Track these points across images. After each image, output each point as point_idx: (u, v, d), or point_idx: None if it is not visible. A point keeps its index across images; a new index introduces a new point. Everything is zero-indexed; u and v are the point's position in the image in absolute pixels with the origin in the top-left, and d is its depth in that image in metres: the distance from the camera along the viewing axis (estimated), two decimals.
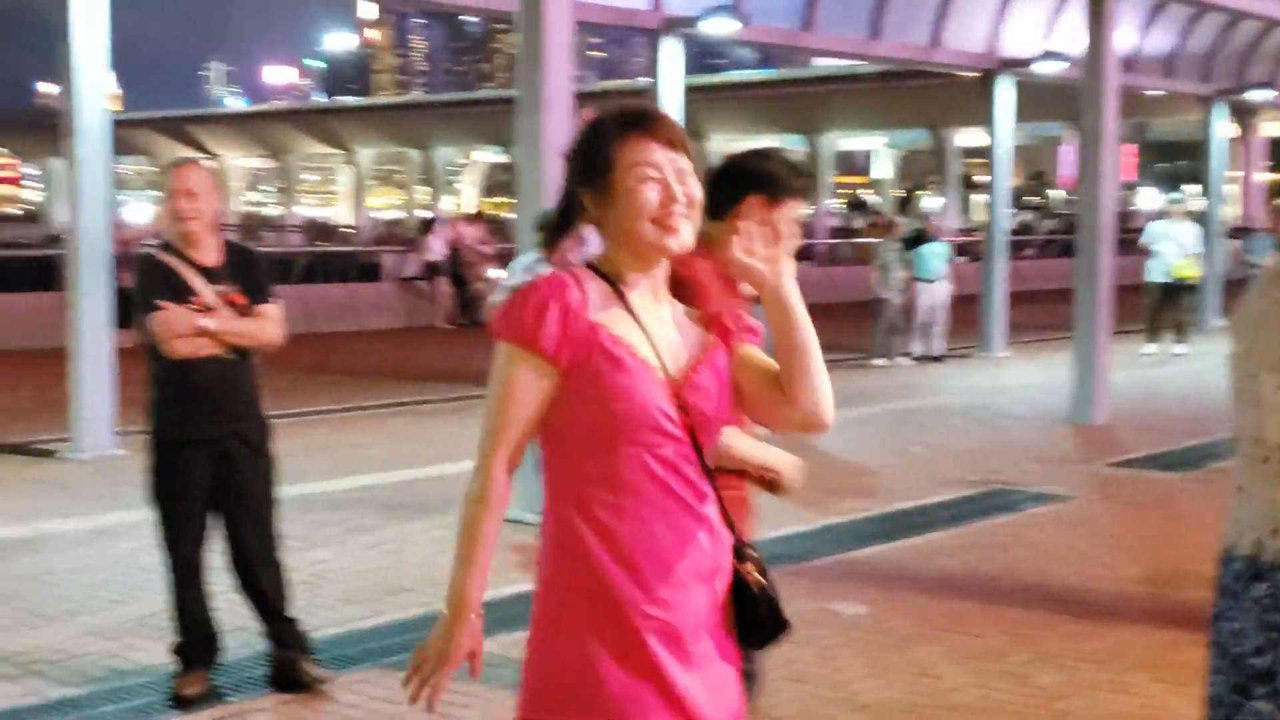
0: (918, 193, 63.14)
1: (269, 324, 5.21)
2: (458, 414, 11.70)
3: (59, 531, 8.01)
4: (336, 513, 8.39)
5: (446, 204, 65.55)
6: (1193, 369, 16.07)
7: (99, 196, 10.62)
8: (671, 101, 15.01)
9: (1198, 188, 26.36)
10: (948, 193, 51.85)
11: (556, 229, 2.62)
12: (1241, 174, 30.90)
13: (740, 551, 2.63)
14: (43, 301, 18.21)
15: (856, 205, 67.32)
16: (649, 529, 2.49)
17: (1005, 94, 18.44)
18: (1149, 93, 24.61)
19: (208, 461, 5.16)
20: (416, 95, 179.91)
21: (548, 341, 2.46)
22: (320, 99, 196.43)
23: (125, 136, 60.34)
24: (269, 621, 5.37)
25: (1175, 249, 17.47)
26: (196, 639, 5.30)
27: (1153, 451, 10.86)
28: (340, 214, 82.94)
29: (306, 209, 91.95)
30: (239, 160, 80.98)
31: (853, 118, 54.57)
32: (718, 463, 3.33)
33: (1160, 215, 19.05)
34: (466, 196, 79.03)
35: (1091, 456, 10.78)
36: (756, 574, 2.61)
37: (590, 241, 2.66)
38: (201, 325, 5.06)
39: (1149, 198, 65.43)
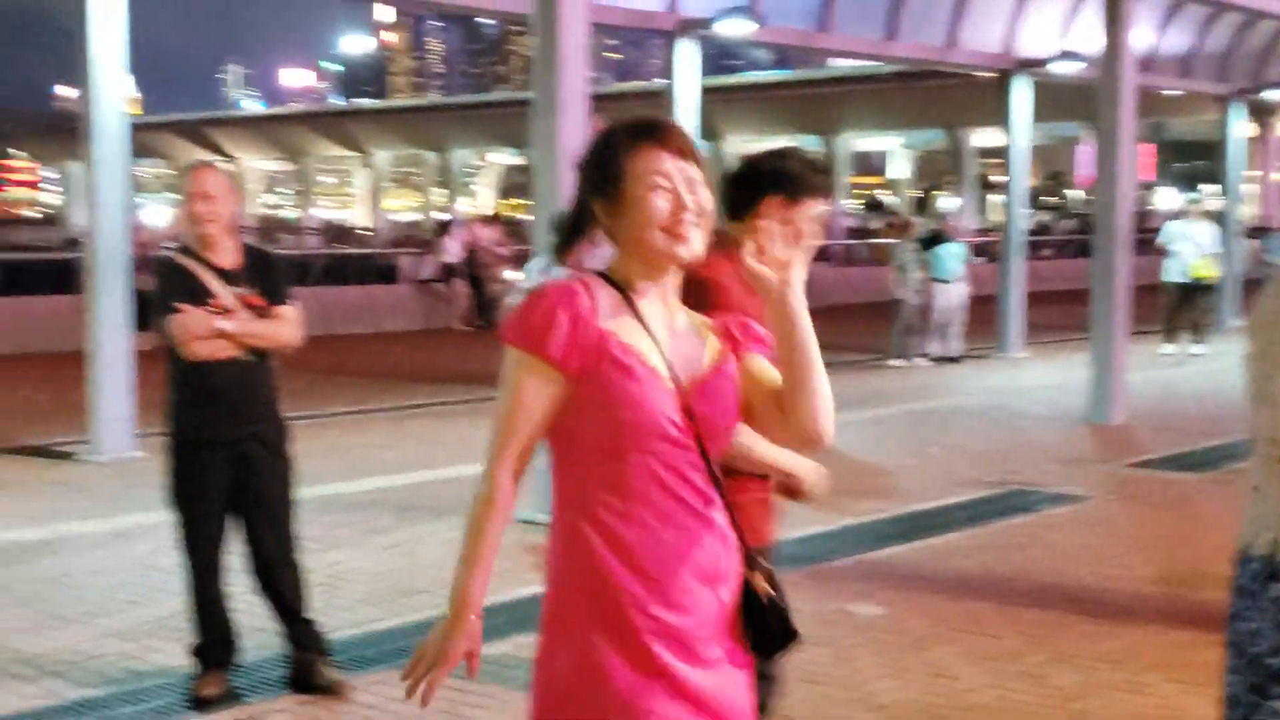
0: (934, 193, 63.06)
1: (287, 326, 5.23)
2: (472, 416, 11.71)
3: (78, 533, 8.04)
4: (353, 514, 8.41)
5: (463, 206, 65.64)
6: (1210, 369, 16.01)
7: (117, 199, 10.66)
8: (687, 103, 15.02)
9: (1216, 187, 26.23)
10: (964, 193, 51.74)
11: (568, 237, 2.63)
12: (1259, 173, 30.78)
13: (751, 560, 2.64)
14: (61, 304, 18.28)
15: (873, 206, 67.27)
16: (656, 535, 2.50)
17: (1022, 94, 18.40)
18: (1166, 92, 24.53)
19: (226, 463, 5.18)
20: (433, 98, 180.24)
21: (556, 349, 2.48)
22: (337, 101, 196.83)
23: (143, 139, 60.55)
24: (287, 623, 5.39)
25: (1193, 249, 17.42)
26: (215, 640, 5.32)
27: (1170, 452, 10.83)
28: (357, 216, 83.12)
29: (324, 211, 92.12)
30: (256, 163, 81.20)
31: (869, 118, 54.53)
32: (740, 466, 3.34)
33: (1178, 215, 18.98)
34: (483, 198, 79.11)
35: (1109, 457, 10.76)
36: (765, 584, 2.62)
37: (601, 249, 2.67)
38: (220, 327, 5.07)
39: (1167, 197, 65.23)
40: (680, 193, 2.53)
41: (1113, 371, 12.41)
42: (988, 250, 29.56)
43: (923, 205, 55.16)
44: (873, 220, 50.96)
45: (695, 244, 2.54)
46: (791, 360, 2.53)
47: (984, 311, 18.35)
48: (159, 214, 36.74)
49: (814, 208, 3.63)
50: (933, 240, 17.34)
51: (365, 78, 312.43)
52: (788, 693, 3.80)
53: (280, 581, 5.34)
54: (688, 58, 14.99)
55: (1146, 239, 21.22)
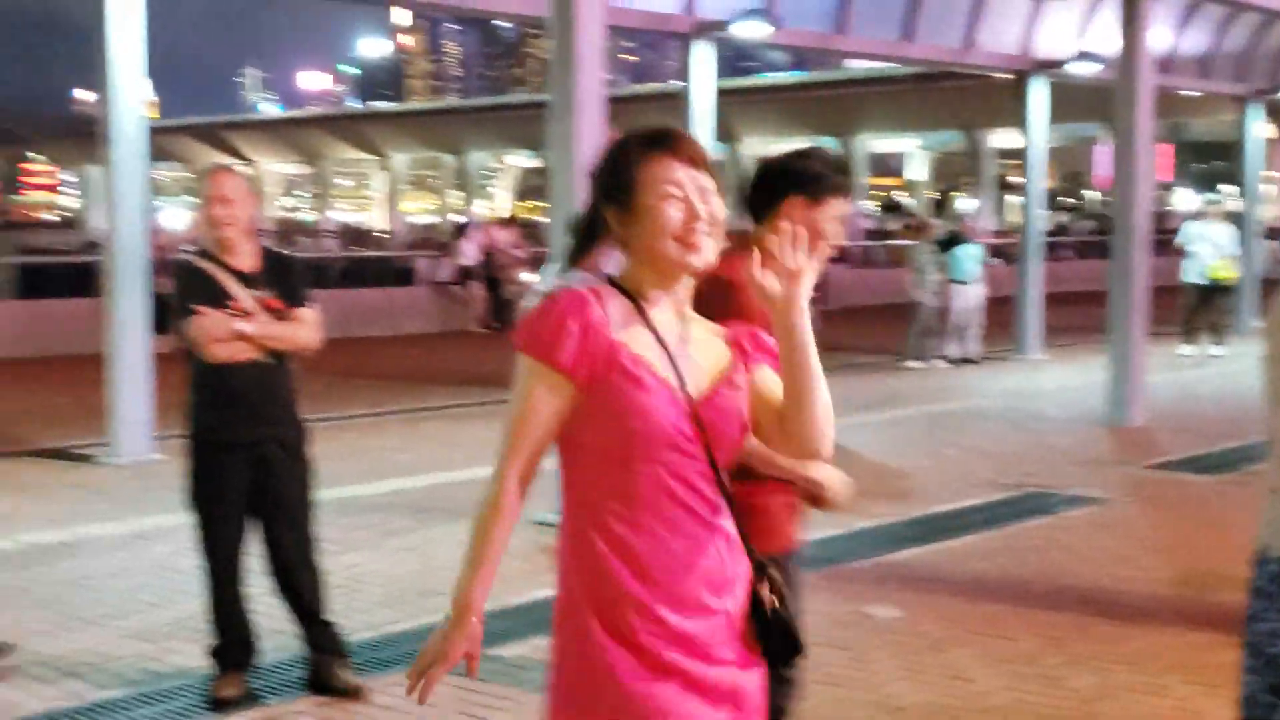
0: (952, 194, 62.95)
1: (305, 328, 5.25)
2: (488, 418, 11.69)
3: (97, 536, 8.08)
4: (370, 516, 8.44)
5: (480, 208, 65.73)
6: (1229, 370, 15.96)
7: (136, 203, 10.71)
8: (703, 105, 15.03)
9: (1234, 188, 26.15)
10: (982, 194, 51.65)
11: (582, 246, 2.64)
12: (1278, 174, 30.65)
13: (761, 568, 2.66)
14: (81, 307, 18.37)
15: (891, 207, 67.19)
16: (664, 543, 2.52)
17: (1039, 95, 18.36)
18: (1185, 93, 24.46)
19: (245, 465, 5.20)
20: (450, 100, 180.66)
21: (565, 358, 2.49)
22: (354, 105, 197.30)
23: (162, 143, 60.77)
24: (306, 625, 5.40)
25: (1211, 250, 17.37)
26: (234, 642, 5.34)
27: (1189, 454, 10.80)
28: (375, 219, 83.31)
29: (341, 214, 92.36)
30: (274, 166, 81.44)
31: (886, 119, 54.48)
32: (763, 470, 3.34)
33: (1196, 216, 18.93)
34: (500, 200, 79.23)
35: (1127, 459, 10.73)
36: (771, 595, 2.63)
37: (614, 256, 2.68)
38: (239, 329, 5.10)
39: (1185, 198, 65.02)
40: (693, 202, 2.54)
41: (1131, 373, 12.38)
42: (1006, 252, 29.48)
43: (940, 207, 55.08)
44: (890, 222, 50.87)
45: (707, 253, 2.55)
46: (792, 377, 2.54)
47: (1002, 313, 18.32)
48: (177, 217, 36.92)
49: (836, 207, 3.60)
50: (950, 242, 17.31)
51: (382, 81, 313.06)
52: (805, 695, 3.81)
53: (299, 583, 5.36)
54: (704, 60, 14.99)
55: (1165, 240, 21.16)
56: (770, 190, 3.61)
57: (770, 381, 2.63)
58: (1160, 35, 16.33)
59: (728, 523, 2.60)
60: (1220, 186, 54.25)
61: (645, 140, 2.59)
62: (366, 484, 9.40)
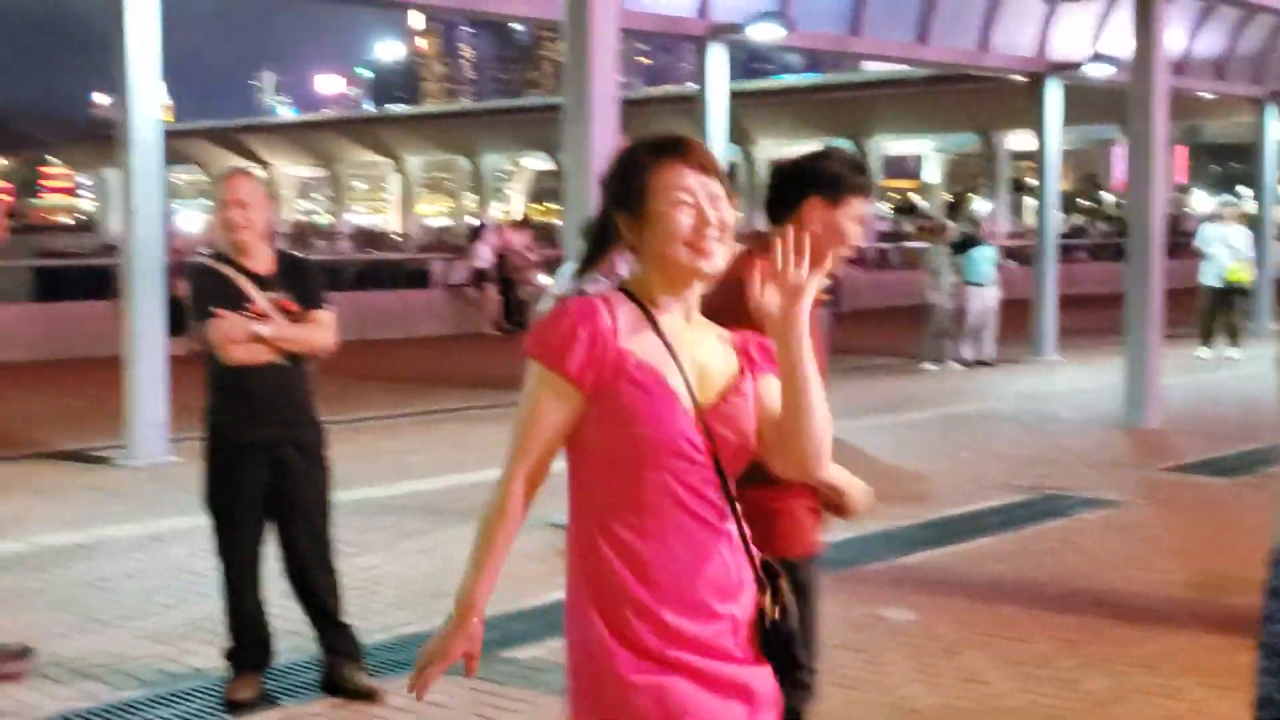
0: (967, 196, 62.84)
1: (322, 329, 5.27)
2: (502, 420, 11.65)
3: (114, 538, 8.11)
4: (385, 518, 8.46)
5: (494, 211, 65.82)
6: (1246, 373, 15.91)
7: (153, 207, 10.75)
8: (718, 107, 15.03)
9: (1251, 190, 26.07)
10: (997, 196, 51.56)
11: (594, 252, 2.66)
12: None
13: (771, 574, 2.67)
14: (98, 310, 18.44)
15: (905, 209, 67.11)
16: (670, 548, 2.54)
17: (1054, 98, 18.33)
18: (1200, 95, 24.40)
19: (263, 467, 5.21)
20: (464, 103, 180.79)
21: (573, 365, 2.51)
22: (369, 108, 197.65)
23: (178, 146, 60.97)
24: (322, 627, 5.42)
25: (1228, 252, 17.33)
26: (249, 644, 5.35)
27: (1205, 456, 10.77)
28: (390, 221, 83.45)
29: (356, 217, 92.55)
30: (290, 169, 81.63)
31: (901, 121, 54.45)
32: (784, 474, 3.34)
33: (1213, 218, 18.87)
34: (515, 203, 79.32)
35: (1143, 461, 10.71)
36: (773, 607, 2.64)
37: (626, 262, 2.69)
38: (256, 332, 5.12)
39: (1202, 201, 64.83)
40: (703, 208, 2.55)
41: (1147, 375, 12.35)
42: (1022, 254, 29.44)
43: (955, 209, 54.98)
44: (905, 224, 50.82)
45: (717, 258, 2.57)
46: (790, 393, 2.54)
47: (1017, 315, 18.29)
48: (193, 220, 37.02)
49: (856, 207, 3.58)
50: (966, 244, 17.28)
51: (397, 84, 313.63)
52: (820, 697, 3.81)
53: (316, 585, 5.37)
54: (718, 63, 15.00)
55: (1182, 242, 21.11)
56: (789, 192, 3.59)
57: (774, 393, 2.63)
58: (1175, 37, 16.30)
59: (735, 529, 2.61)
60: (1237, 188, 54.09)
61: (655, 147, 2.61)
62: (381, 486, 9.42)
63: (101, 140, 77.03)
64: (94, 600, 6.79)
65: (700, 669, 2.54)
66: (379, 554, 7.59)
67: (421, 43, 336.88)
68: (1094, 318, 21.23)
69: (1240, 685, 5.48)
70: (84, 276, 23.59)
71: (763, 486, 2.90)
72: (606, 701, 2.55)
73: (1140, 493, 9.46)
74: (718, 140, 15.05)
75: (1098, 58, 17.90)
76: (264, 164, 75.03)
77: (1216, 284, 17.43)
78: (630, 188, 2.59)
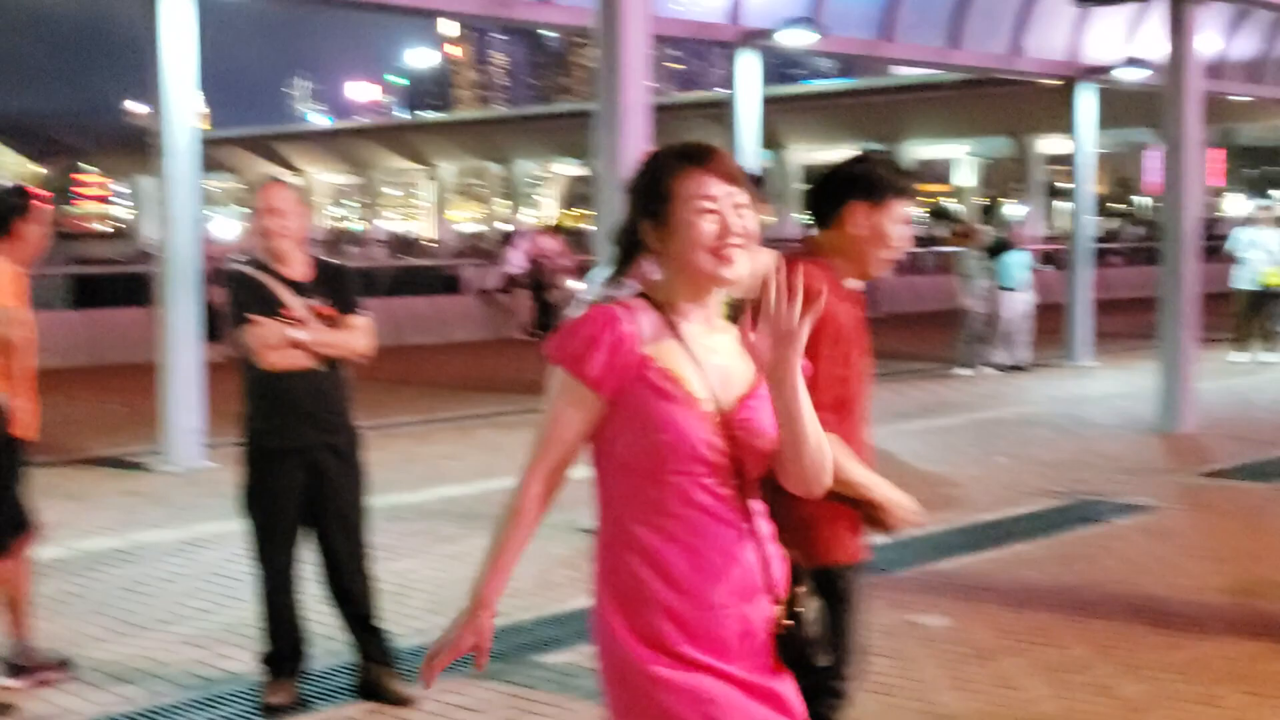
0: (1000, 201, 62.53)
1: (358, 335, 5.31)
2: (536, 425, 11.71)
3: (151, 543, 8.17)
4: (420, 523, 8.49)
5: (526, 217, 65.94)
6: None
7: (189, 215, 10.83)
8: (749, 113, 15.03)
9: None
10: (1031, 200, 51.31)
11: (624, 258, 2.69)
12: None
13: (797, 580, 2.69)
14: (133, 316, 18.56)
15: (939, 214, 66.85)
16: (693, 552, 2.57)
17: (1087, 101, 18.25)
18: (1235, 98, 24.24)
19: (300, 472, 5.24)
20: (497, 110, 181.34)
21: (593, 371, 2.56)
22: (402, 115, 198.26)
23: (213, 154, 61.32)
24: (357, 633, 5.44)
25: (1263, 256, 17.22)
26: (285, 648, 5.38)
27: (1240, 461, 10.70)
28: (422, 228, 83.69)
29: (389, 223, 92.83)
30: (324, 176, 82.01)
31: (933, 126, 54.29)
32: (835, 488, 3.33)
33: (1248, 222, 18.75)
34: (547, 209, 79.44)
35: (1178, 466, 10.64)
36: (786, 614, 2.66)
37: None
38: (293, 337, 5.16)
39: (1237, 203, 64.39)
40: (726, 216, 2.59)
41: (1182, 380, 12.27)
42: (1056, 258, 29.30)
43: (988, 213, 54.75)
44: (938, 228, 50.60)
45: (740, 266, 2.60)
46: (786, 429, 2.59)
47: (1051, 320, 18.21)
48: (227, 227, 37.22)
49: (899, 210, 3.58)
50: (999, 248, 17.22)
51: (430, 91, 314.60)
52: (853, 704, 3.81)
53: (352, 591, 5.40)
54: (749, 68, 15.00)
55: (1216, 246, 20.96)
56: (832, 197, 3.59)
57: None
58: (1209, 40, 16.19)
59: (760, 532, 2.65)
60: (1272, 192, 53.68)
61: (680, 155, 2.65)
62: (416, 491, 9.46)
63: (136, 147, 77.55)
64: (131, 605, 6.84)
65: (725, 671, 2.57)
66: (413, 559, 7.62)
67: (454, 50, 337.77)
68: (1128, 322, 21.12)
69: (1278, 693, 5.45)
70: (120, 283, 23.72)
71: (800, 497, 2.89)
72: (639, 703, 2.58)
73: (1176, 498, 9.41)
74: (749, 145, 15.05)
75: (1131, 61, 17.81)
76: (298, 171, 75.41)
77: (1251, 288, 17.31)
78: (655, 195, 2.63)
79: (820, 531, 3.49)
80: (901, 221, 3.58)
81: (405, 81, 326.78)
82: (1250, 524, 8.66)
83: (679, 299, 2.64)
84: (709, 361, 2.61)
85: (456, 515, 8.72)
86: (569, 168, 76.83)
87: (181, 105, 10.72)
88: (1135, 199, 79.31)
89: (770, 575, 2.65)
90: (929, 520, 3.65)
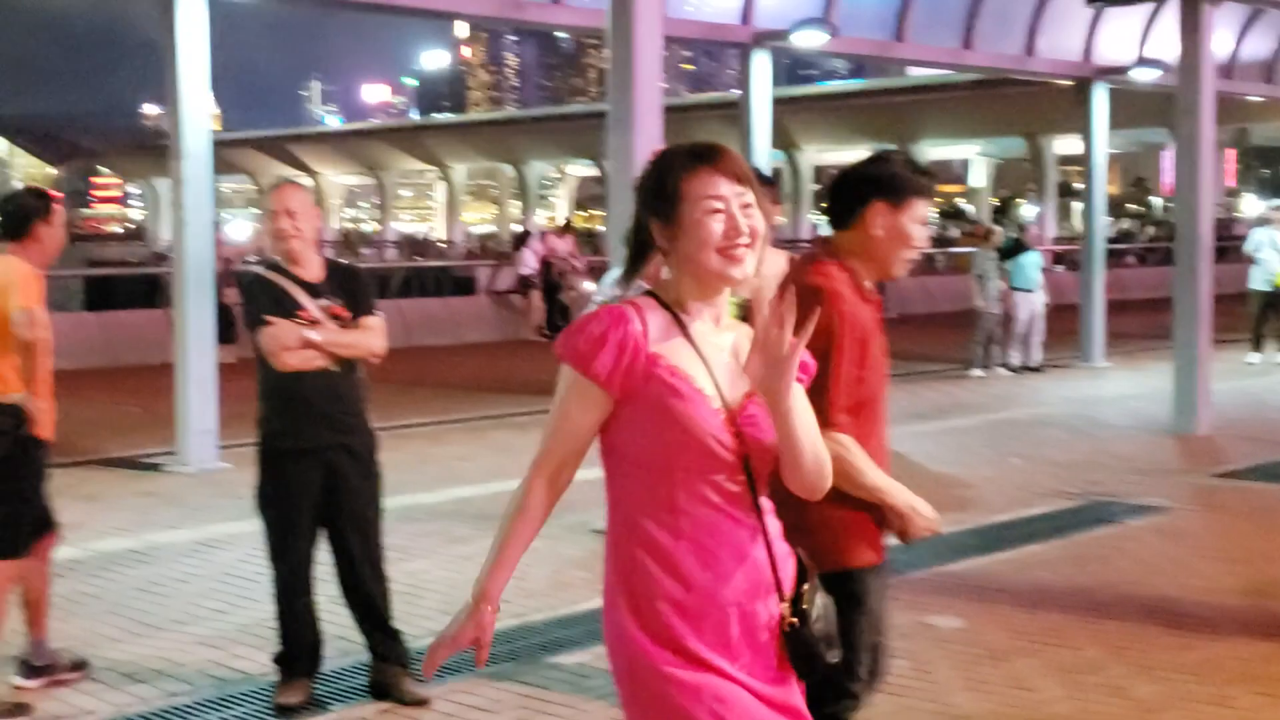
0: (1015, 201, 62.40)
1: (372, 335, 5.33)
2: None
3: (166, 543, 8.20)
4: (433, 524, 8.51)
5: (539, 218, 65.99)
6: None
7: (204, 217, 10.87)
8: (762, 114, 15.03)
9: None
10: (1045, 201, 51.20)
11: (631, 259, 2.71)
12: None
13: (799, 582, 2.70)
14: (148, 318, 18.63)
15: (952, 214, 66.78)
16: (703, 548, 2.59)
17: (1101, 102, 18.20)
18: (1249, 98, 24.17)
19: (315, 472, 5.26)
20: (510, 111, 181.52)
21: (601, 369, 2.58)
22: (415, 116, 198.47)
23: (227, 155, 61.52)
24: (371, 633, 5.46)
25: (1275, 256, 17.15)
26: (300, 648, 5.39)
27: (1255, 462, 10.67)
28: (436, 229, 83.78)
29: (402, 224, 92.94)
30: (337, 177, 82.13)
31: (946, 126, 54.15)
32: (837, 484, 3.34)
33: (1262, 222, 18.69)
34: (560, 210, 79.49)
35: (1192, 467, 10.62)
36: (791, 612, 2.67)
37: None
38: (308, 338, 5.18)
39: (1252, 204, 64.21)
40: (735, 216, 2.60)
41: (1196, 381, 12.24)
42: (1071, 259, 29.25)
43: (1001, 213, 54.67)
44: (951, 228, 50.54)
45: (749, 265, 2.62)
46: (783, 445, 2.61)
47: (1065, 320, 18.17)
48: (240, 229, 37.30)
49: (919, 209, 3.57)
50: (1014, 249, 17.19)
51: (443, 92, 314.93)
52: (865, 704, 3.81)
53: (367, 592, 5.41)
54: (762, 69, 15.00)
55: (1232, 246, 20.90)
56: (852, 197, 3.58)
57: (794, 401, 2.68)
58: (1223, 40, 16.16)
59: (769, 530, 2.66)
60: None
61: (688, 155, 2.66)
62: (430, 492, 9.48)
63: (151, 150, 77.82)
64: (146, 605, 6.87)
65: (735, 676, 2.59)
66: (426, 559, 7.64)
67: (467, 51, 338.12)
68: (1143, 323, 21.07)
69: None
70: (135, 285, 23.82)
71: (821, 498, 2.90)
72: (650, 699, 2.60)
73: (1190, 499, 9.39)
74: (761, 146, 15.06)
75: (1144, 61, 17.76)
76: (311, 173, 75.53)
77: (1266, 289, 17.25)
78: (663, 194, 2.64)
79: (836, 535, 3.48)
80: (921, 221, 3.57)
81: (418, 83, 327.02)
82: (1264, 525, 8.63)
83: (688, 298, 2.65)
84: (717, 359, 2.63)
85: (469, 516, 8.73)
86: (582, 169, 76.84)
87: (196, 108, 10.75)
88: (1151, 199, 79.14)
89: (778, 572, 2.66)
90: (944, 527, 3.63)
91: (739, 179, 2.63)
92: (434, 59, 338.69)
